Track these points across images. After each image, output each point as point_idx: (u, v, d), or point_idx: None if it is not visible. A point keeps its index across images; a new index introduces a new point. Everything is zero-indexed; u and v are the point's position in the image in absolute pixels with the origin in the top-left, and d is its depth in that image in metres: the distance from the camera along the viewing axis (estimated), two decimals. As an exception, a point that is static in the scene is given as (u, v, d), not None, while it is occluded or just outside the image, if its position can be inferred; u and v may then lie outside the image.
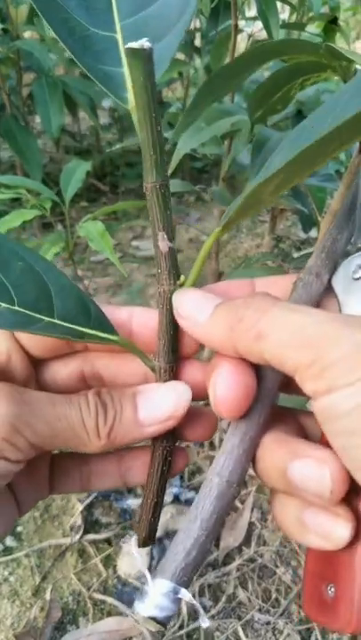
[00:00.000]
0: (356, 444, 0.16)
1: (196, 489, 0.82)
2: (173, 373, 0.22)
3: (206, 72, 1.10)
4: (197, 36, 1.19)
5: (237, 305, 0.19)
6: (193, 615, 0.69)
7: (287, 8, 1.04)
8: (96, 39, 0.18)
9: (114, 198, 1.66)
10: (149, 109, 0.17)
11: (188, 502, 0.79)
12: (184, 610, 0.68)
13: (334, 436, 0.17)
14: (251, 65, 0.32)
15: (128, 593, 0.71)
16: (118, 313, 0.23)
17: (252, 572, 0.74)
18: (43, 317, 0.20)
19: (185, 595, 0.18)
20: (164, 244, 0.20)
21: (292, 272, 0.64)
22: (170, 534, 0.76)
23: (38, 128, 1.74)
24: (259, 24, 0.77)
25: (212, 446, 0.86)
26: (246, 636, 0.67)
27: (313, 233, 1.06)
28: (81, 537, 0.75)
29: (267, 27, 0.75)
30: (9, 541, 0.75)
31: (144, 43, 0.16)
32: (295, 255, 1.40)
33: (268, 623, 0.68)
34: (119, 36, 0.19)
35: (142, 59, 0.16)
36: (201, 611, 0.19)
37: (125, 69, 0.19)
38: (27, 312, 0.19)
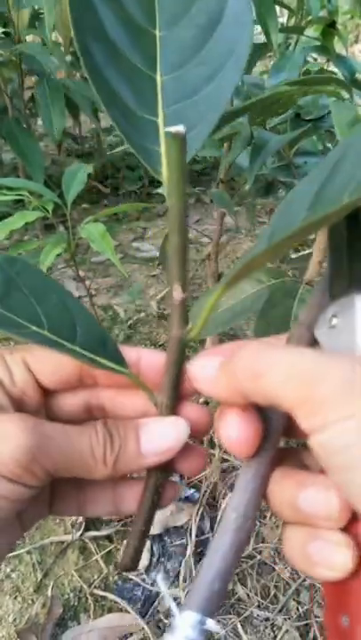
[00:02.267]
0: (353, 480, 0.17)
1: (196, 486, 0.83)
2: (174, 410, 0.24)
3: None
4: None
5: (235, 353, 0.20)
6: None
7: (286, 12, 1.05)
8: (141, 121, 0.22)
9: (115, 200, 1.67)
10: (179, 181, 0.21)
11: (188, 499, 0.80)
12: (184, 606, 0.69)
13: (332, 471, 0.18)
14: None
15: (129, 589, 0.72)
16: (128, 352, 0.25)
17: (250, 569, 0.74)
18: (66, 343, 0.23)
19: (211, 625, 0.19)
20: (177, 294, 0.23)
21: (290, 273, 0.64)
22: (170, 531, 0.77)
23: (40, 131, 1.75)
24: (258, 27, 0.78)
25: (211, 444, 0.87)
26: (245, 632, 0.68)
27: (311, 235, 1.07)
28: (82, 534, 0.76)
29: (265, 30, 0.76)
30: (11, 538, 0.76)
31: (180, 128, 0.19)
32: (293, 256, 1.40)
33: (266, 619, 0.69)
34: (160, 121, 0.23)
35: (177, 141, 0.19)
36: (219, 630, 0.20)
37: (162, 148, 0.23)
38: (53, 337, 0.23)
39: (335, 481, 0.18)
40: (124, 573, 0.73)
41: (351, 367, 0.17)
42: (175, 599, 0.70)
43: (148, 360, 0.25)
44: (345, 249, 0.22)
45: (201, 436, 0.24)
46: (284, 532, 0.21)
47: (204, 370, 0.21)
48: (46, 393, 0.25)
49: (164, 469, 0.24)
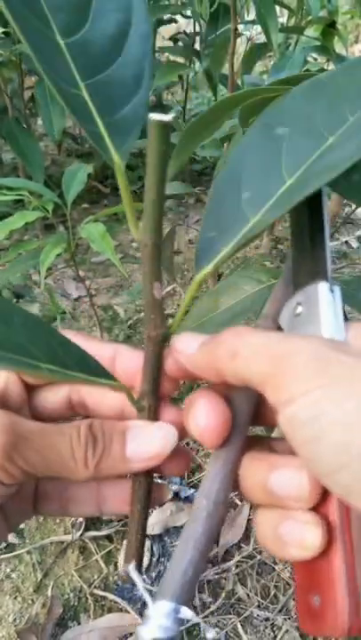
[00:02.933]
0: (319, 452, 0.17)
1: (196, 486, 0.83)
2: (156, 412, 0.24)
3: (206, 75, 1.11)
4: (197, 39, 1.20)
5: (218, 334, 0.21)
6: (192, 611, 0.70)
7: (286, 12, 1.05)
8: (70, 96, 0.21)
9: (115, 200, 1.67)
10: (160, 179, 0.20)
11: (188, 499, 0.80)
12: (184, 606, 0.69)
13: (299, 445, 0.18)
14: (230, 110, 0.33)
15: (128, 589, 0.72)
16: (103, 349, 0.25)
17: (250, 569, 0.74)
18: (48, 366, 0.21)
19: (186, 613, 0.18)
20: (158, 293, 0.23)
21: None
22: (170, 531, 0.77)
23: (40, 131, 1.75)
24: (258, 28, 0.78)
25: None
26: (245, 632, 0.68)
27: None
28: (82, 534, 0.76)
29: (266, 30, 0.76)
30: (11, 538, 0.76)
31: (165, 117, 0.18)
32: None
33: (266, 619, 0.69)
34: (86, 95, 0.21)
35: (160, 128, 0.18)
36: (206, 626, 0.20)
37: (101, 129, 0.21)
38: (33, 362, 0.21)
39: (302, 455, 0.18)
40: (124, 574, 0.73)
41: (317, 345, 0.18)
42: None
43: (125, 359, 0.25)
44: (308, 239, 0.23)
45: (184, 438, 0.24)
46: (256, 515, 0.21)
47: (186, 344, 0.22)
48: (29, 389, 0.25)
49: (150, 473, 0.24)
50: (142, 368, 0.24)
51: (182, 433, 0.24)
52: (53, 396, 0.25)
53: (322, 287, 0.21)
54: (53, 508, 0.26)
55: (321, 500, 0.19)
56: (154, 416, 0.24)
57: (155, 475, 0.25)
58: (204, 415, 0.20)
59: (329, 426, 0.16)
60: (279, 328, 0.23)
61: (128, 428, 0.23)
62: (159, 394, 0.24)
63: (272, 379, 0.18)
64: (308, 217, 0.23)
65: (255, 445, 0.23)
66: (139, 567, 0.24)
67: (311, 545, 0.18)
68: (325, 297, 0.21)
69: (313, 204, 0.23)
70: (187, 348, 0.22)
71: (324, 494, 0.19)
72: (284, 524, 0.19)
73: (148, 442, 0.22)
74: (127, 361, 0.25)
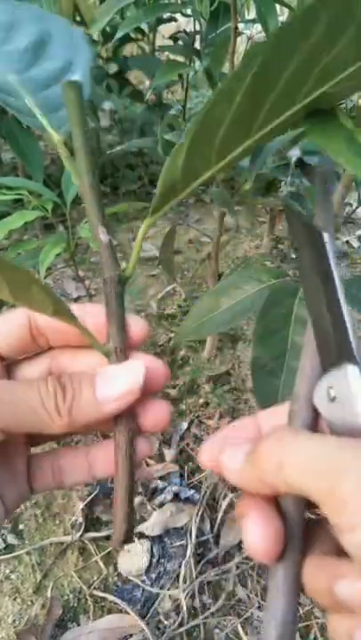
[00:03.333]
0: None
1: (196, 487, 0.83)
2: (125, 355, 0.24)
3: (206, 74, 1.11)
4: (197, 38, 1.19)
5: (260, 442, 0.20)
6: (192, 612, 0.69)
7: (286, 10, 1.05)
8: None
9: (115, 200, 1.66)
10: (81, 123, 0.25)
11: (188, 500, 0.80)
12: (184, 608, 0.69)
13: None
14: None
15: (128, 590, 0.71)
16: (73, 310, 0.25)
17: (251, 570, 0.74)
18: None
19: None
20: (104, 237, 0.24)
21: (290, 273, 0.64)
22: (170, 532, 0.76)
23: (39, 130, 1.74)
24: (258, 27, 0.78)
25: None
26: (246, 633, 0.68)
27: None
28: (82, 535, 0.76)
29: (266, 29, 0.76)
30: (10, 539, 0.76)
31: (76, 78, 0.24)
32: (294, 256, 1.40)
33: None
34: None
35: (74, 88, 0.24)
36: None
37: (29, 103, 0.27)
38: None
39: None
40: (124, 573, 0.72)
41: None
42: (175, 600, 0.70)
43: (92, 314, 0.25)
44: (328, 321, 0.22)
45: (158, 389, 0.24)
46: (328, 619, 0.20)
47: (233, 460, 0.21)
48: (6, 362, 0.25)
49: (131, 421, 0.24)
50: (105, 312, 0.24)
51: (156, 382, 0.24)
52: (33, 370, 0.26)
53: (352, 371, 0.20)
54: (48, 482, 0.26)
55: None
56: (122, 358, 0.24)
57: (136, 430, 0.24)
58: (254, 532, 0.20)
59: None
60: (315, 410, 0.22)
61: (97, 373, 0.23)
62: (126, 338, 0.24)
63: (327, 498, 0.17)
64: (324, 295, 0.22)
65: (314, 540, 0.22)
66: (129, 537, 0.23)
67: None
68: (358, 382, 0.20)
69: (331, 287, 0.22)
70: (234, 467, 0.21)
71: None
72: (359, 632, 0.19)
73: (115, 379, 0.22)
74: (95, 316, 0.25)
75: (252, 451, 0.20)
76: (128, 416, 0.24)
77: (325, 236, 0.21)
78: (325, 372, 0.21)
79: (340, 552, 0.20)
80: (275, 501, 0.21)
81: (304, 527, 0.21)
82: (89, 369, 0.25)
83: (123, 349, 0.24)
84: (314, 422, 0.22)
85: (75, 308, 0.24)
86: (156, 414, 0.25)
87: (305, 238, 0.22)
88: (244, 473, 0.21)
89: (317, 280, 0.22)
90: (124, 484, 0.23)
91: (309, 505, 0.21)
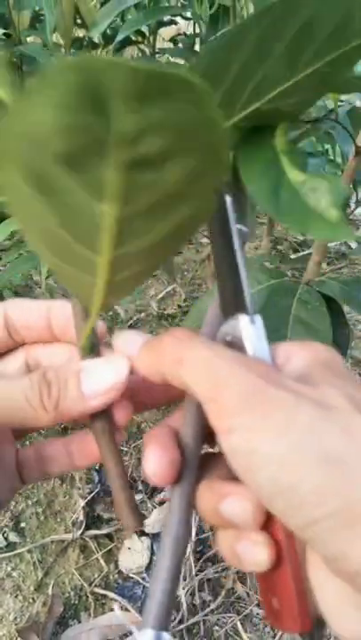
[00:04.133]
0: (255, 481, 0.18)
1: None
2: (97, 353, 0.24)
3: (206, 76, 1.11)
4: (197, 41, 1.20)
5: (160, 337, 0.22)
6: (192, 609, 0.70)
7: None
8: None
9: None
10: None
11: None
12: (184, 605, 0.70)
13: (239, 472, 0.19)
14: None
15: (129, 588, 0.72)
16: (38, 305, 0.26)
17: (250, 568, 0.75)
18: None
19: (167, 638, 0.22)
20: None
21: (289, 273, 0.65)
22: (170, 530, 0.77)
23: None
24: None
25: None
26: (245, 630, 0.68)
27: (310, 234, 1.07)
28: (82, 532, 0.76)
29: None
30: (12, 537, 0.76)
31: None
32: (292, 257, 1.41)
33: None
34: None
35: None
36: None
37: None
38: None
39: (242, 479, 0.19)
40: (125, 571, 0.73)
41: (255, 374, 0.19)
42: (175, 597, 0.71)
43: (57, 309, 0.26)
44: (229, 279, 0.25)
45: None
46: (217, 534, 0.23)
47: (128, 344, 0.23)
48: None
49: (106, 415, 0.24)
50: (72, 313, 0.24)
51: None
52: (12, 365, 0.27)
53: (242, 320, 0.23)
54: (34, 473, 0.27)
55: (268, 521, 0.21)
56: (95, 353, 0.24)
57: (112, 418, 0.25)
58: (153, 460, 0.22)
59: (262, 461, 0.18)
60: None
61: (82, 368, 0.23)
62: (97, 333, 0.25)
63: (213, 404, 0.19)
64: (222, 246, 0.25)
65: (208, 468, 0.24)
66: (139, 522, 0.24)
67: (262, 561, 0.21)
68: (247, 329, 0.23)
69: (225, 233, 0.25)
70: (129, 349, 0.23)
71: (270, 515, 0.21)
72: (239, 544, 0.21)
73: (101, 376, 0.23)
74: (60, 311, 0.26)
75: (153, 341, 0.22)
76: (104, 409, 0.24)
77: (228, 201, 0.24)
78: (225, 321, 0.24)
79: (230, 478, 0.23)
80: (174, 432, 0.23)
81: (201, 458, 0.24)
82: (64, 361, 0.26)
83: (94, 345, 0.24)
84: None
85: (40, 304, 0.26)
86: (156, 393, 0.26)
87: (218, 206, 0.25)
88: (141, 360, 0.23)
89: (221, 242, 0.25)
90: (114, 473, 0.24)
91: (208, 439, 0.24)
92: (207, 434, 0.24)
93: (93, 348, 0.24)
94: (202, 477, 0.23)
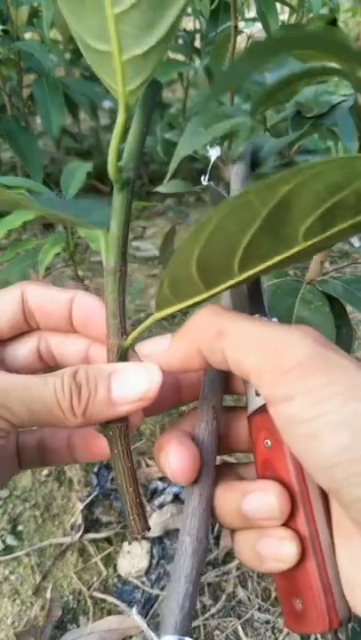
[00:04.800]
0: (314, 449, 0.17)
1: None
2: (124, 353, 0.24)
3: (206, 73, 1.11)
4: (197, 37, 1.19)
5: (191, 319, 0.21)
6: (193, 615, 0.69)
7: (287, 9, 1.04)
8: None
9: (114, 199, 1.66)
10: None
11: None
12: (184, 608, 0.69)
13: (294, 440, 0.18)
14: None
15: (128, 592, 0.71)
16: (61, 294, 0.25)
17: (251, 571, 0.74)
18: None
19: None
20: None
21: (291, 272, 0.64)
22: (170, 533, 0.76)
23: (39, 129, 1.74)
24: (258, 25, 0.77)
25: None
26: (246, 634, 0.67)
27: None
28: (81, 536, 0.76)
29: (266, 28, 0.76)
30: (10, 540, 0.75)
31: None
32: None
33: (267, 622, 0.69)
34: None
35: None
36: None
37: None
38: None
39: (296, 450, 0.18)
40: (124, 575, 0.72)
41: (312, 340, 0.18)
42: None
43: (82, 300, 0.25)
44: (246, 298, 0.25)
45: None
46: (235, 539, 0.23)
47: (155, 345, 0.22)
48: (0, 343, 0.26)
49: (124, 418, 0.24)
50: (105, 302, 0.24)
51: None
52: (23, 349, 0.26)
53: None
54: (33, 459, 0.27)
55: (290, 516, 0.21)
56: (124, 355, 0.23)
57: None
58: (175, 458, 0.22)
59: (328, 427, 0.17)
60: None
61: (113, 372, 0.22)
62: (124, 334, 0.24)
63: (268, 373, 0.18)
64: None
65: (224, 475, 0.24)
66: (147, 527, 0.24)
67: (288, 557, 0.20)
68: None
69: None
70: (156, 348, 0.22)
71: (293, 510, 0.20)
72: (262, 543, 0.21)
73: (132, 384, 0.22)
74: (84, 304, 0.25)
75: (183, 329, 0.21)
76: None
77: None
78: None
79: (244, 479, 0.23)
80: (190, 435, 0.23)
81: (215, 459, 0.24)
82: (78, 353, 0.26)
83: (122, 347, 0.23)
84: None
85: (67, 292, 0.25)
86: (178, 391, 0.26)
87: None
88: (170, 351, 0.22)
89: None
90: (127, 475, 0.24)
91: (220, 448, 0.23)
92: (220, 438, 0.24)
93: (120, 350, 0.23)
94: (218, 481, 0.23)
